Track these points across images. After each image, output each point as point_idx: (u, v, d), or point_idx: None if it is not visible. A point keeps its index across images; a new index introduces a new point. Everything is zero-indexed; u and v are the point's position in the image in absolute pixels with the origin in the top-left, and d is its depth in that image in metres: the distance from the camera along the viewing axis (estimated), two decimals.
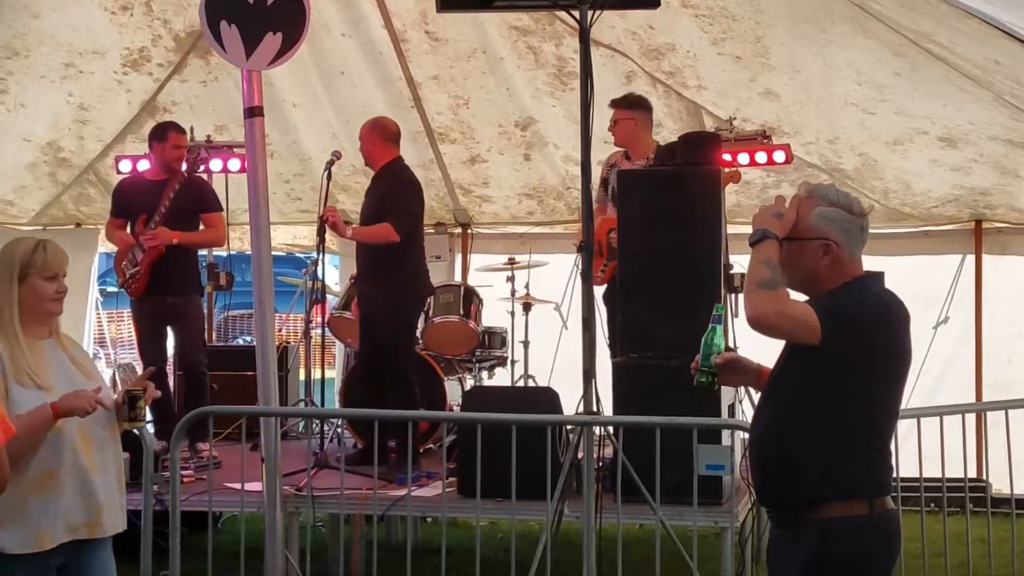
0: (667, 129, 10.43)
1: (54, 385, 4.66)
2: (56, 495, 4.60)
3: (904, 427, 6.88)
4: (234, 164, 10.98)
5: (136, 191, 9.23)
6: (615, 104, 8.96)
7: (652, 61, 10.27)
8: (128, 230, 9.12)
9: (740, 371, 4.38)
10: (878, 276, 4.19)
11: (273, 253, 12.54)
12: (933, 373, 10.84)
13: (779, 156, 10.09)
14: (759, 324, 3.99)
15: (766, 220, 4.12)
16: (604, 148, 9.03)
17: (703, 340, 4.34)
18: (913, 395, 10.08)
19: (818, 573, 4.01)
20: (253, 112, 7.17)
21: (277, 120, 11.19)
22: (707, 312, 7.09)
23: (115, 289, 14.39)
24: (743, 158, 10.12)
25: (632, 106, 9.01)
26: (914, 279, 10.84)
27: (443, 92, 11.08)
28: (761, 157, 10.12)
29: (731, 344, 8.39)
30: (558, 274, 10.91)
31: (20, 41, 10.25)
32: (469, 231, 12.38)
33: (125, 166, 11.01)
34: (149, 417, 9.15)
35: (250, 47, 6.99)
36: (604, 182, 8.98)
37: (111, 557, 4.91)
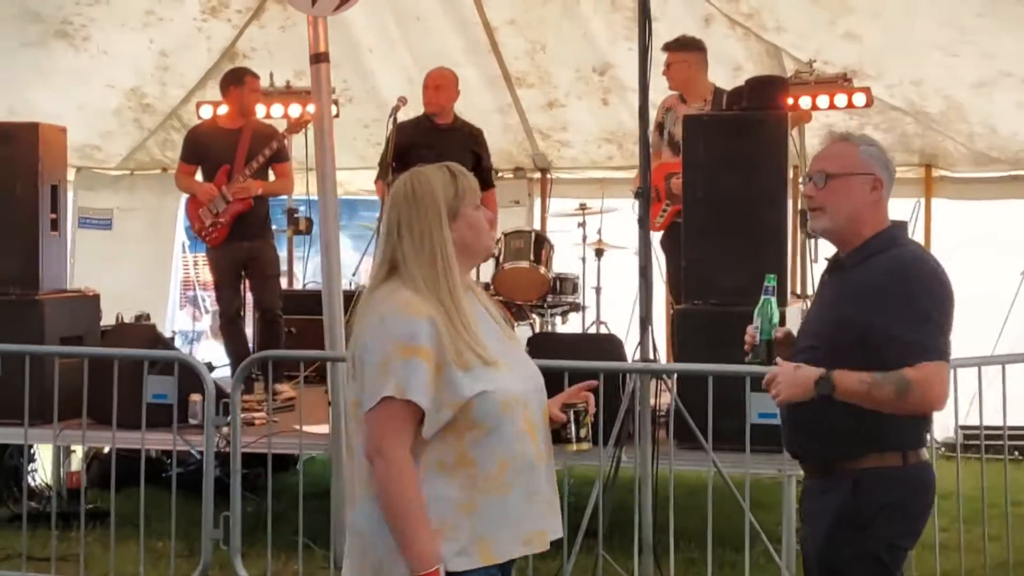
0: (747, 72, 10.26)
1: (497, 356, 3.57)
2: (503, 494, 3.53)
3: (991, 374, 6.82)
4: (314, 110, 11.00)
5: (213, 139, 9.33)
6: (668, 47, 8.88)
7: (730, 3, 10.16)
8: (201, 177, 9.22)
9: (791, 345, 4.22)
10: (904, 227, 4.12)
11: (354, 197, 12.75)
12: (1021, 319, 10.68)
13: (859, 99, 9.88)
14: (940, 407, 3.93)
15: (804, 375, 3.92)
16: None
17: (759, 314, 4.19)
18: (1000, 341, 10.01)
19: (851, 523, 3.95)
20: (319, 58, 7.29)
21: (356, 65, 11.28)
22: (772, 259, 7.19)
23: None
24: (823, 101, 9.94)
25: (685, 48, 8.94)
26: (1001, 224, 10.66)
27: (520, 37, 11.04)
28: (841, 100, 9.92)
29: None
30: (634, 219, 10.79)
31: None
32: (548, 176, 12.32)
33: (206, 112, 11.10)
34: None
35: None
36: (659, 126, 8.92)
37: None
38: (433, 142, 8.68)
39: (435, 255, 3.54)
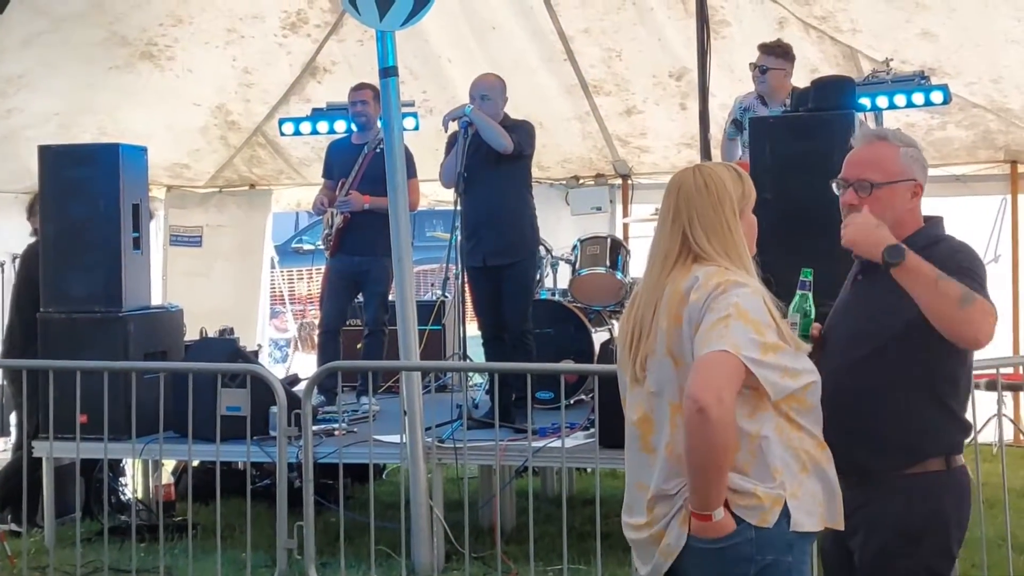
0: (823, 75, 10.17)
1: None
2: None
3: None
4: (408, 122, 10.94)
5: (339, 153, 9.57)
6: (770, 51, 8.85)
7: (803, 7, 10.10)
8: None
9: (823, 345, 4.11)
10: (942, 223, 4.03)
11: (436, 208, 12.85)
12: None
13: (936, 97, 9.75)
14: (985, 343, 3.80)
15: (880, 235, 3.88)
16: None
17: (796, 310, 4.07)
18: None
19: (904, 535, 3.86)
20: (387, 72, 7.34)
21: (435, 76, 11.34)
22: (843, 260, 7.12)
23: (298, 245, 14.80)
24: (900, 100, 9.83)
25: (786, 56, 8.90)
26: None
27: (595, 45, 11.04)
28: (918, 98, 9.82)
29: None
30: None
31: (183, 8, 10.52)
32: (629, 182, 12.34)
33: (288, 128, 11.28)
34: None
35: (383, 8, 7.16)
36: (737, 123, 8.91)
37: None
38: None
39: (736, 243, 3.77)
